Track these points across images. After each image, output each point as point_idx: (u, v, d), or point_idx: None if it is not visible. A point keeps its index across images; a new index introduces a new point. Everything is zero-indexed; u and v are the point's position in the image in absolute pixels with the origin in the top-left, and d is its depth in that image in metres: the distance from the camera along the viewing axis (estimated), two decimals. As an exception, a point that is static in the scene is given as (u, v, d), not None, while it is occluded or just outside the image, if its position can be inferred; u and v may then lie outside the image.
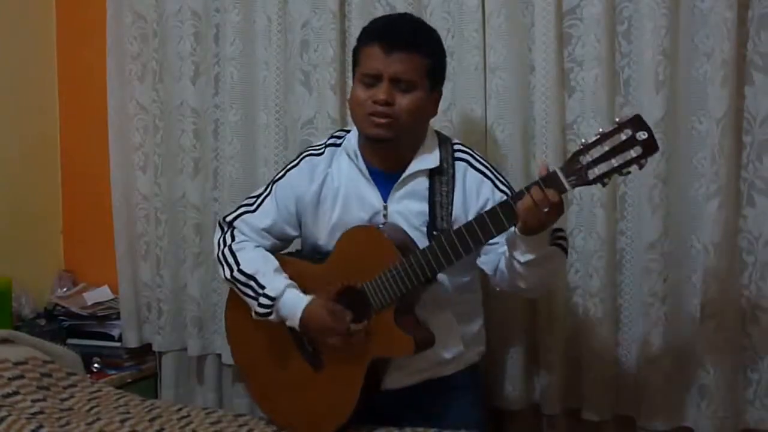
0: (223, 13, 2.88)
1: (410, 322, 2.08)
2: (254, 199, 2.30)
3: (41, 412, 2.35)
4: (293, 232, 2.29)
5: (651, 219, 2.33)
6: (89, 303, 3.16)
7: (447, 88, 2.55)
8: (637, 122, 1.78)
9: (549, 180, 1.84)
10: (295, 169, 2.26)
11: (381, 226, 2.12)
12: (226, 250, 2.26)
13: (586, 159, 1.80)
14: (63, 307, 3.14)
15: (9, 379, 2.44)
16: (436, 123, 2.53)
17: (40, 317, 3.12)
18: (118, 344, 3.10)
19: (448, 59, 2.54)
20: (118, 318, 3.12)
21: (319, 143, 2.30)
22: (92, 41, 3.16)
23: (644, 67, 2.31)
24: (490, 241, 2.05)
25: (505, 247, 2.02)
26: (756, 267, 2.30)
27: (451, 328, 2.18)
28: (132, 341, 3.09)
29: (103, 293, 3.21)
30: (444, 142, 2.20)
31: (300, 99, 2.77)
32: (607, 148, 1.78)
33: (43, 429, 2.22)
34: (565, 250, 2.08)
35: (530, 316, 2.53)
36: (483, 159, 2.21)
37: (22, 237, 3.18)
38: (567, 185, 1.83)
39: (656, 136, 2.22)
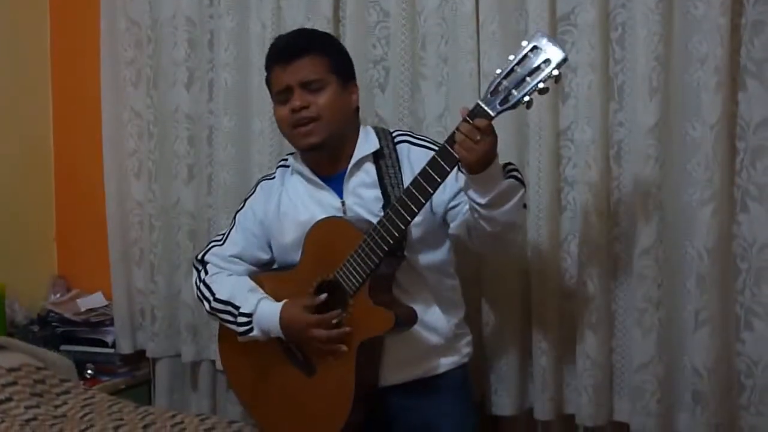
0: (217, 19, 2.88)
1: (388, 299, 2.10)
2: (221, 236, 2.38)
3: (34, 419, 2.35)
4: (264, 255, 2.34)
5: (645, 225, 2.33)
6: (83, 309, 3.16)
7: (441, 94, 2.58)
8: (540, 38, 1.85)
9: (474, 113, 1.89)
10: (252, 197, 2.36)
11: (341, 215, 2.17)
12: (202, 285, 2.30)
13: (503, 85, 1.87)
14: (56, 313, 3.13)
15: (2, 385, 2.44)
16: (430, 130, 2.55)
17: (34, 323, 3.12)
18: (111, 350, 3.09)
19: (441, 65, 2.57)
20: (111, 324, 3.12)
21: (273, 171, 2.38)
22: (86, 47, 3.16)
23: (638, 74, 2.31)
24: (451, 205, 2.12)
25: (467, 206, 2.05)
26: (750, 273, 2.30)
27: (435, 312, 2.19)
28: (126, 347, 3.09)
29: (96, 299, 3.21)
30: (381, 131, 2.26)
31: (294, 105, 2.77)
32: (520, 71, 1.85)
33: (36, 436, 2.22)
34: (520, 181, 2.08)
35: (524, 321, 2.52)
36: (422, 136, 2.27)
37: (16, 243, 3.17)
38: (491, 112, 1.88)
39: (650, 142, 2.28)
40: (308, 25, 2.71)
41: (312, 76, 2.14)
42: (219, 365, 2.92)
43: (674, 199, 2.34)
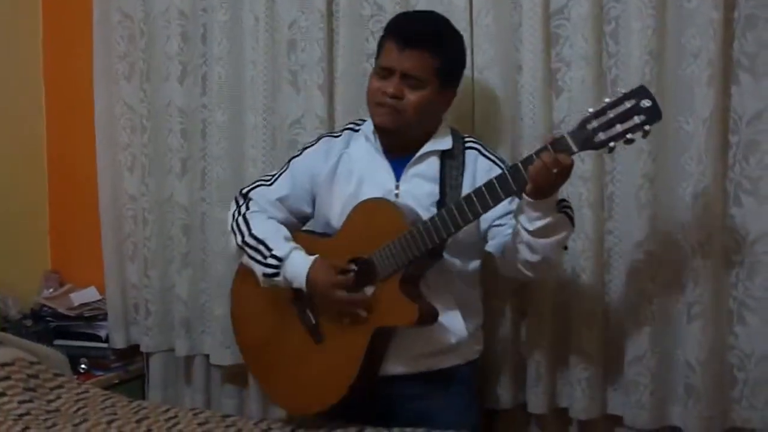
0: (210, 13, 2.87)
1: (415, 292, 2.11)
2: (271, 176, 2.37)
3: (28, 414, 2.34)
4: (307, 209, 2.34)
5: (638, 219, 2.33)
6: (76, 304, 3.15)
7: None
8: (642, 92, 1.88)
9: (558, 144, 1.91)
10: (311, 148, 2.35)
11: (392, 199, 2.18)
12: (240, 218, 2.30)
13: (593, 125, 1.89)
14: (50, 307, 3.13)
15: (-5, 380, 2.44)
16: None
17: (27, 318, 3.11)
18: (105, 345, 3.09)
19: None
20: (105, 319, 3.12)
21: (338, 130, 2.39)
22: (79, 41, 3.15)
23: (631, 67, 2.31)
24: (497, 223, 2.14)
25: (512, 229, 2.07)
26: (743, 266, 2.31)
27: (456, 313, 2.20)
28: (119, 342, 3.09)
29: (90, 294, 3.20)
30: (456, 133, 2.26)
31: (288, 99, 2.77)
32: (612, 115, 1.87)
33: (29, 430, 2.21)
34: (571, 219, 2.10)
35: (518, 315, 2.53)
36: (491, 150, 2.28)
37: (8, 237, 3.16)
38: (575, 147, 1.90)
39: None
40: (301, 19, 2.71)
41: (417, 72, 2.13)
42: (213, 359, 2.93)
43: (667, 192, 2.34)
